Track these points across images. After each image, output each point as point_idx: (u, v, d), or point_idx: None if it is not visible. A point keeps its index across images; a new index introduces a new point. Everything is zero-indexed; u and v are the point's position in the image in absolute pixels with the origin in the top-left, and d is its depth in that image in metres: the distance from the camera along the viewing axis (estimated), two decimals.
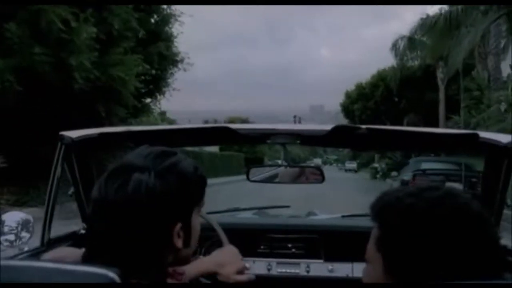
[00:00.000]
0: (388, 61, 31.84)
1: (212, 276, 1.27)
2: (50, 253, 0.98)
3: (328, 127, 1.52)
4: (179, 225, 0.83)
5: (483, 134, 1.42)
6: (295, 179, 1.86)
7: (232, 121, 42.59)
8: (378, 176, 30.49)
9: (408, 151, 18.46)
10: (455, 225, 0.76)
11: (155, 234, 0.80)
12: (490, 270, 0.75)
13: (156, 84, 14.25)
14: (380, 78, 36.30)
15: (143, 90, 12.64)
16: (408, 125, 28.57)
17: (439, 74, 26.60)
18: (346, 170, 48.81)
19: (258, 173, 1.94)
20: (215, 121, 44.44)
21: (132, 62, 10.47)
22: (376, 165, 35.92)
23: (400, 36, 24.46)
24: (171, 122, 30.50)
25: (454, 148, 2.12)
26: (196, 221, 0.90)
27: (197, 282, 1.26)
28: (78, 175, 1.63)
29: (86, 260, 0.83)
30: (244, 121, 44.15)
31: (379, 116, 36.94)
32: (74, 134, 1.57)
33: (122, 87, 10.32)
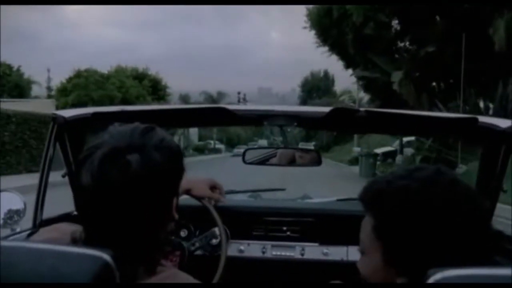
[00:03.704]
0: None
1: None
2: (44, 230, 0.95)
3: (327, 109, 1.50)
4: (175, 197, 0.84)
5: (482, 118, 1.42)
6: (292, 162, 1.85)
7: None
8: (379, 172, 16.94)
9: (406, 135, 17.28)
10: (449, 201, 0.76)
11: (161, 210, 0.80)
12: (480, 250, 0.75)
13: None
14: None
15: None
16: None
17: None
18: None
19: (253, 155, 1.92)
20: None
21: None
22: (357, 149, 21.94)
23: None
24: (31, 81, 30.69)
25: (453, 133, 2.11)
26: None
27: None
28: (71, 155, 1.61)
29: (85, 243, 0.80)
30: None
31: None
32: (67, 113, 1.54)
33: None
